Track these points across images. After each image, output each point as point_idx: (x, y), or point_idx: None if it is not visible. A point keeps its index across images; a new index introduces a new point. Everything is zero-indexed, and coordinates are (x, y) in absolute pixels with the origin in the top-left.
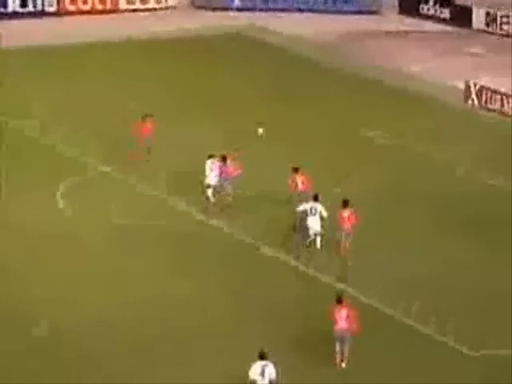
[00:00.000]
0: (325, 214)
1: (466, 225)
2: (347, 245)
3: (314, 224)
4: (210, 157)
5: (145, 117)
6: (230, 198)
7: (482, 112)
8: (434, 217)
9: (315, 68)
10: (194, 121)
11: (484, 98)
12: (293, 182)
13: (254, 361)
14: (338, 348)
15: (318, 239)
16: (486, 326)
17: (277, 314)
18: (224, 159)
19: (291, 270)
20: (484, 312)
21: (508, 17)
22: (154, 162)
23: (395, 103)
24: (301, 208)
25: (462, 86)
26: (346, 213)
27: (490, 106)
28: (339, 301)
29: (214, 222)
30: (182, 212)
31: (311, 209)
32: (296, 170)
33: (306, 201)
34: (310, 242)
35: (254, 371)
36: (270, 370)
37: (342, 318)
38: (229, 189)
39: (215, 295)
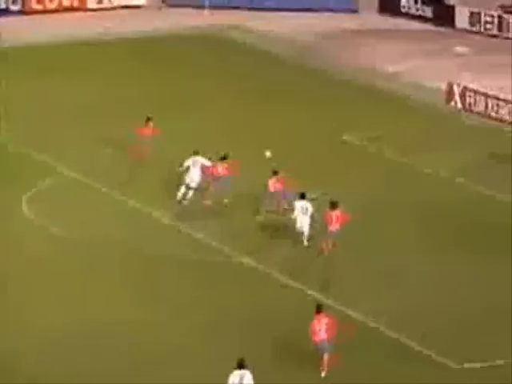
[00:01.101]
0: (312, 211)
1: (451, 233)
2: (332, 244)
3: (303, 223)
4: (196, 154)
5: (148, 119)
6: (209, 202)
7: (466, 114)
8: (417, 224)
9: (291, 68)
10: (165, 122)
11: (467, 100)
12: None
13: (232, 370)
14: (321, 357)
15: (305, 237)
16: (469, 339)
17: (255, 324)
18: (223, 158)
19: (268, 279)
20: (468, 325)
21: (492, 16)
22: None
23: (375, 105)
24: (295, 212)
25: (444, 87)
26: (334, 214)
27: (473, 109)
28: (318, 310)
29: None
30: (154, 219)
31: (302, 208)
32: (275, 173)
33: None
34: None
35: (233, 380)
36: (248, 379)
37: (322, 328)
38: (212, 191)
39: (191, 306)
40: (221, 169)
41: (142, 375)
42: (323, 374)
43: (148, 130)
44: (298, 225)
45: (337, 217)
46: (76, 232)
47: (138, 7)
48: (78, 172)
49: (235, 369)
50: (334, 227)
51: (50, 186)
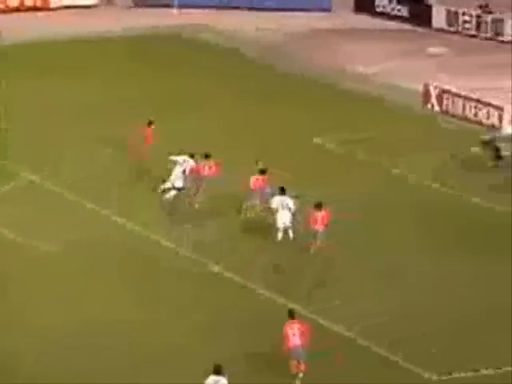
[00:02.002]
0: (293, 206)
1: (422, 236)
2: (319, 243)
3: (285, 218)
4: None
5: (150, 122)
6: (195, 204)
7: (442, 117)
8: (390, 227)
9: (261, 68)
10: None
11: (445, 102)
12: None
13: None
14: (294, 364)
15: (290, 232)
16: (444, 349)
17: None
18: (207, 157)
19: (243, 289)
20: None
21: (470, 15)
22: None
23: (349, 107)
24: (274, 205)
25: (420, 88)
26: (319, 215)
27: (450, 111)
28: (291, 316)
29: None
30: (119, 226)
31: (282, 203)
32: (262, 172)
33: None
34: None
35: None
36: None
37: (295, 334)
38: (200, 191)
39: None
40: (207, 168)
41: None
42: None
43: (149, 132)
44: (279, 220)
45: (322, 217)
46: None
47: (104, 5)
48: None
49: (212, 374)
50: (319, 228)
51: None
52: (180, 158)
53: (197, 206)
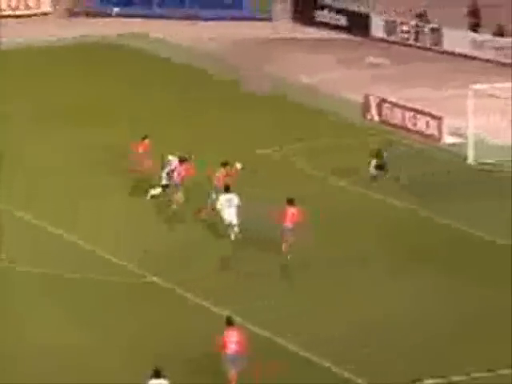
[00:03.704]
0: (239, 203)
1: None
2: (291, 240)
3: (231, 216)
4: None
5: (144, 137)
6: (174, 206)
7: (382, 127)
8: (337, 237)
9: (200, 78)
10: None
11: (384, 112)
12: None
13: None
14: (230, 372)
15: (232, 231)
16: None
17: (170, 340)
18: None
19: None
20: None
21: (409, 25)
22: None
23: (288, 117)
24: (219, 206)
25: (360, 99)
26: (290, 211)
27: (390, 121)
28: (229, 323)
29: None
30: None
31: (227, 201)
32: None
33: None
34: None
35: None
36: None
37: (232, 342)
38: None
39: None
40: (184, 170)
41: None
42: None
43: (143, 147)
44: (226, 217)
45: (292, 214)
46: None
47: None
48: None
49: (152, 377)
50: (290, 223)
51: None
52: (171, 159)
53: (174, 206)
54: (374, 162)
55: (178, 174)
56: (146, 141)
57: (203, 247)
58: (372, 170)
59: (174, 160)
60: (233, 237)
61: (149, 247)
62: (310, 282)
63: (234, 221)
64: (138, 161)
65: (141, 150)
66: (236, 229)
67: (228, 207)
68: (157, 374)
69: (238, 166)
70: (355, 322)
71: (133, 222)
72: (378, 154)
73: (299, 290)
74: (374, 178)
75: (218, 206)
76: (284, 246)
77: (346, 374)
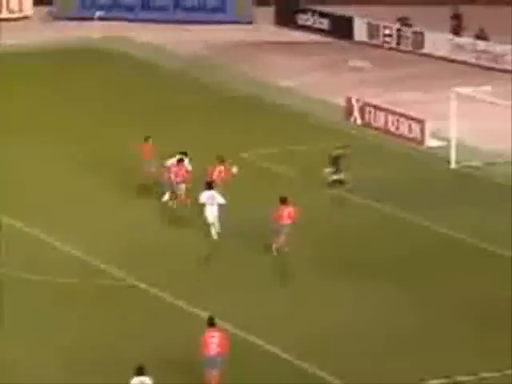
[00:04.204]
0: (222, 201)
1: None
2: (282, 239)
3: (211, 214)
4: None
5: (147, 138)
6: (173, 205)
7: (366, 130)
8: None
9: (183, 82)
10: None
11: (367, 116)
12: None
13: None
14: (210, 373)
15: (214, 229)
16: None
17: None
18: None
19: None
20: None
21: (391, 29)
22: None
23: (271, 121)
24: (202, 201)
25: (343, 102)
26: (286, 210)
27: (373, 124)
28: (211, 324)
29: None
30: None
31: (208, 198)
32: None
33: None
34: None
35: None
36: None
37: (214, 343)
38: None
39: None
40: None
41: None
42: None
43: (147, 148)
44: (208, 215)
45: (289, 213)
46: None
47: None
48: None
49: (134, 375)
50: (289, 221)
51: None
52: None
53: (171, 203)
54: (329, 170)
55: (176, 174)
56: (149, 142)
57: (184, 246)
58: (328, 176)
59: (170, 160)
60: (214, 235)
61: (135, 248)
62: (289, 283)
63: (215, 220)
64: (147, 162)
65: (146, 151)
66: (217, 227)
67: (210, 205)
68: (140, 372)
69: (235, 170)
70: (334, 323)
71: (119, 225)
72: (334, 161)
73: (279, 291)
74: (333, 184)
75: (200, 201)
76: (274, 247)
77: (323, 374)
